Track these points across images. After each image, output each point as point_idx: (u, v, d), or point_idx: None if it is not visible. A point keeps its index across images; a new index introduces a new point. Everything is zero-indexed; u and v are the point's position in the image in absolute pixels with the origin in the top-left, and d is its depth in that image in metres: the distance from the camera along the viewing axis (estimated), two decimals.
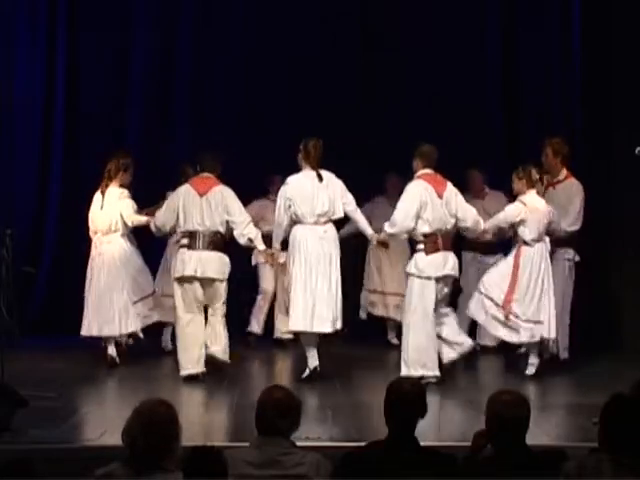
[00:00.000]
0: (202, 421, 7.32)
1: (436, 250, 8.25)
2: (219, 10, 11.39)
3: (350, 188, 8.82)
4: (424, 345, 8.22)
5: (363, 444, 4.51)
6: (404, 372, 8.16)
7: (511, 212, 8.71)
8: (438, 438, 6.39)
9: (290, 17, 11.25)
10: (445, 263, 8.27)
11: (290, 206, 8.46)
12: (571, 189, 9.07)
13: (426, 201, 8.24)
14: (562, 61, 11.20)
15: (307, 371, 8.49)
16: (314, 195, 8.48)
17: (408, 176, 8.70)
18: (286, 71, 11.16)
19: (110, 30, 11.34)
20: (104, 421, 6.83)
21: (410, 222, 8.23)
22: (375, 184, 10.59)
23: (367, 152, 10.92)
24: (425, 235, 8.28)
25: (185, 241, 8.63)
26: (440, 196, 8.31)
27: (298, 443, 4.47)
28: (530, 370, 8.61)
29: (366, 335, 10.61)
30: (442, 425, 7.04)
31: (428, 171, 8.39)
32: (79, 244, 11.01)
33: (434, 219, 8.26)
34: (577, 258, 9.14)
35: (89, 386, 8.34)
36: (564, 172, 9.12)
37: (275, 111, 11.15)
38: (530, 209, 8.63)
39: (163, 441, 3.86)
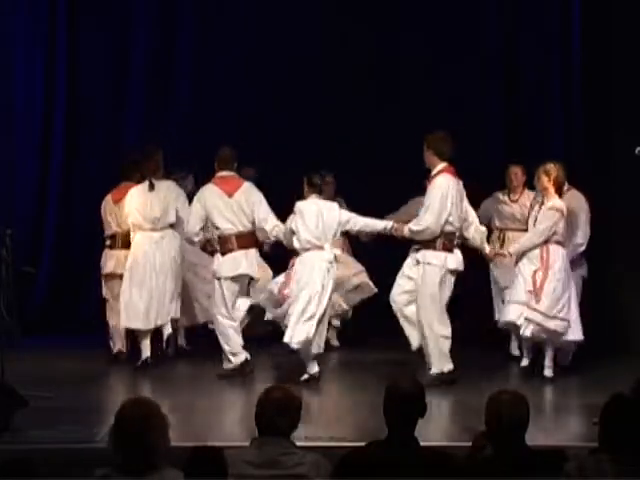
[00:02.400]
0: (202, 421, 7.32)
1: (229, 250, 8.54)
2: (219, 10, 11.38)
3: (348, 187, 8.88)
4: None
5: (363, 444, 4.51)
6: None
7: (287, 224, 8.55)
8: (438, 438, 6.39)
9: (290, 17, 11.25)
10: (240, 263, 8.55)
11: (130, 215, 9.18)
12: (432, 185, 8.38)
13: (211, 203, 8.58)
14: (562, 61, 11.20)
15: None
16: (146, 203, 9.08)
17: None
18: (286, 71, 11.15)
19: (110, 30, 11.36)
20: (104, 422, 6.81)
21: (194, 225, 8.62)
22: (374, 183, 10.59)
23: (367, 151, 10.93)
24: (219, 236, 8.58)
25: (108, 242, 9.57)
26: (230, 196, 8.59)
27: (298, 443, 4.47)
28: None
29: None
30: (442, 425, 7.03)
31: (223, 173, 8.70)
32: (79, 244, 11.05)
33: (222, 219, 8.53)
34: (450, 265, 8.31)
35: (89, 386, 8.33)
36: (438, 167, 8.40)
37: (276, 111, 11.14)
38: (300, 215, 8.42)
39: (140, 439, 3.83)
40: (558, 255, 8.68)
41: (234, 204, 8.59)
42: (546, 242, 8.67)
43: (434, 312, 8.32)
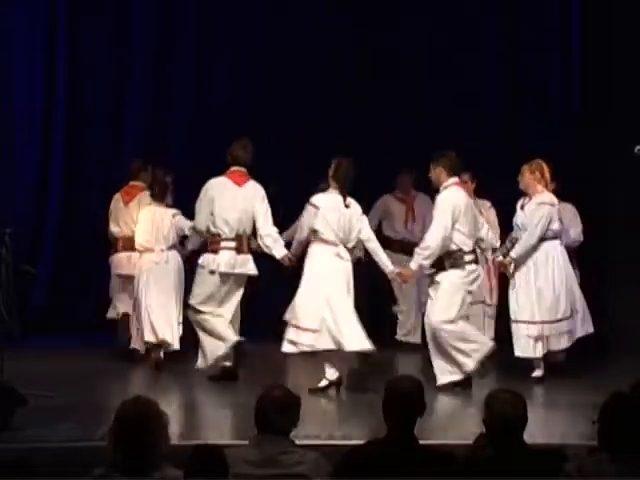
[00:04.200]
0: (203, 420, 7.33)
1: (116, 251, 9.63)
2: (219, 10, 11.38)
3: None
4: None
5: (362, 443, 4.51)
6: None
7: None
8: (438, 437, 6.38)
9: (291, 16, 11.26)
10: (120, 262, 9.54)
11: None
12: None
13: (113, 209, 9.69)
14: (562, 60, 11.21)
15: None
16: None
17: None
18: (288, 71, 11.15)
19: (110, 30, 11.36)
20: (104, 421, 6.81)
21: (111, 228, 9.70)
22: (374, 182, 10.59)
23: (367, 151, 10.91)
24: (114, 238, 9.67)
25: None
26: (126, 204, 9.62)
27: (297, 442, 4.47)
28: None
29: None
30: (442, 424, 7.03)
31: (131, 183, 9.73)
32: (79, 244, 11.06)
33: (114, 224, 9.63)
34: (209, 266, 8.32)
35: (89, 385, 8.33)
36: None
37: (276, 111, 11.14)
38: (139, 221, 9.33)
39: (140, 438, 3.84)
40: (314, 255, 8.10)
41: (129, 210, 9.55)
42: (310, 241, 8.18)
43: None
